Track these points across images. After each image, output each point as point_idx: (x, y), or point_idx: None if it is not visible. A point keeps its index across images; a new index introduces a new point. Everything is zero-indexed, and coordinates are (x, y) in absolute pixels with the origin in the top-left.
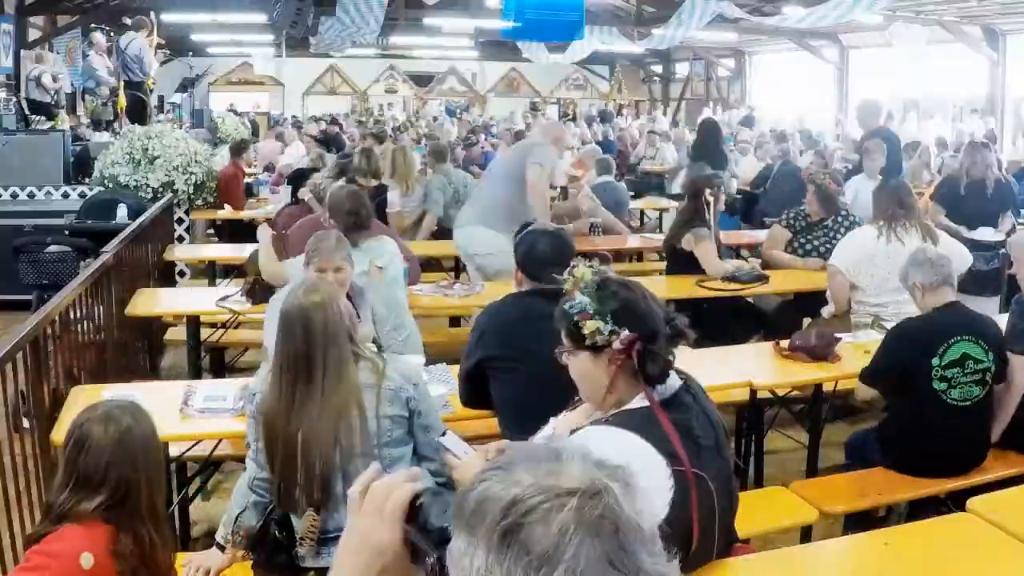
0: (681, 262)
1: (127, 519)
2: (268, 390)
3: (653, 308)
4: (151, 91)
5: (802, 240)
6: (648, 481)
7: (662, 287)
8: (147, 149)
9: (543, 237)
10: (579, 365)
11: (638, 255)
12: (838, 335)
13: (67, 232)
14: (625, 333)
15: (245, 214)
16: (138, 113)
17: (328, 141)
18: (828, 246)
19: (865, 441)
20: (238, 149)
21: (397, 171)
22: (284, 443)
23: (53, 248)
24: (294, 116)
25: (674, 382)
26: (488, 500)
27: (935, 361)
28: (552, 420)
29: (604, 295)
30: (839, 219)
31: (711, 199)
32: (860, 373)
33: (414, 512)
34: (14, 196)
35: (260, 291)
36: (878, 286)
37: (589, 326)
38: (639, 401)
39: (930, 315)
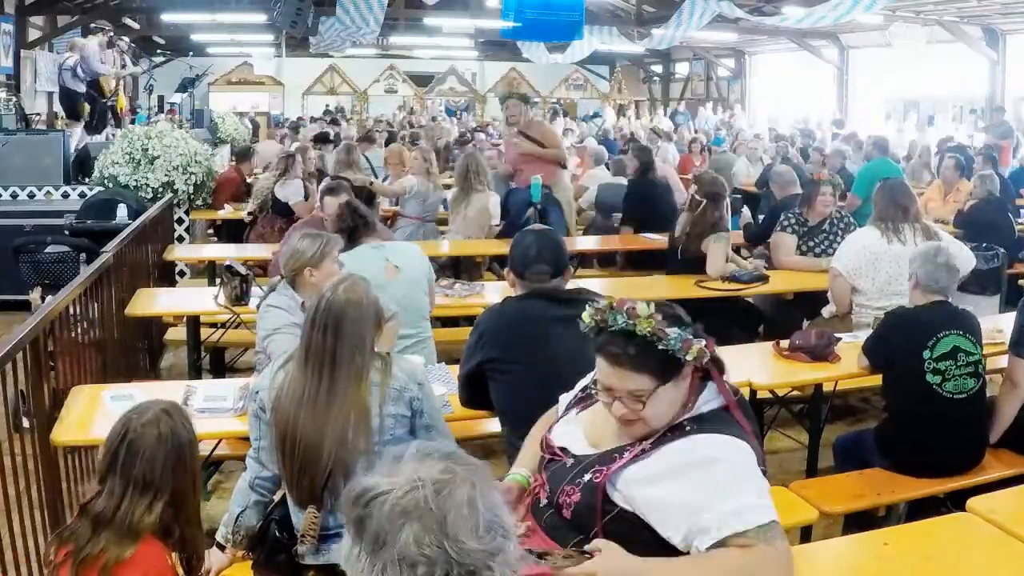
0: (689, 264)
1: (180, 523)
2: (290, 383)
3: None
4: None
5: (803, 249)
6: (760, 479)
7: (662, 287)
8: (147, 149)
9: (533, 239)
10: (661, 399)
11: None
12: (838, 335)
13: (67, 232)
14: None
15: (244, 214)
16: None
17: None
18: (831, 249)
19: (856, 443)
20: (242, 155)
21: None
22: (301, 436)
23: (53, 248)
24: (299, 117)
25: None
26: (350, 492)
27: (926, 354)
28: (563, 397)
29: (672, 316)
30: (835, 220)
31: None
32: (863, 344)
33: None
34: (14, 196)
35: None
36: (880, 289)
37: (694, 350)
38: (707, 404)
39: (918, 309)
